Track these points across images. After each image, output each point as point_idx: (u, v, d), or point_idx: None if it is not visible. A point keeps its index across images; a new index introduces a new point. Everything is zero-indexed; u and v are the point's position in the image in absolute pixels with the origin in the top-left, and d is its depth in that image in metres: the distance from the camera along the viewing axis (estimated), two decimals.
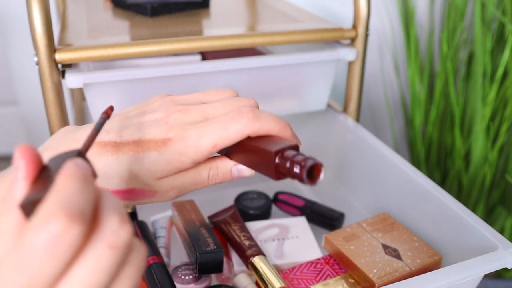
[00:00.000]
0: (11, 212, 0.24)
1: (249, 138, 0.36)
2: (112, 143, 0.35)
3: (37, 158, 0.25)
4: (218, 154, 0.39)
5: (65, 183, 0.22)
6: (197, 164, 0.37)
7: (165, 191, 0.36)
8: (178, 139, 0.35)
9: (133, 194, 0.36)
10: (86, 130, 0.37)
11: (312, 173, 0.32)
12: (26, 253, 0.21)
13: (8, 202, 0.25)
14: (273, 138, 0.35)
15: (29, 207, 0.24)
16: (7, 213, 0.24)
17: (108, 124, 0.37)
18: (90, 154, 0.36)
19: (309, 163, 0.31)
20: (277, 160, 0.33)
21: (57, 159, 0.27)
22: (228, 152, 0.38)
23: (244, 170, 0.38)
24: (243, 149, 0.36)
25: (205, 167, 0.37)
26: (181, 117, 0.36)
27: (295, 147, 0.34)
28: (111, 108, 0.34)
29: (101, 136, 0.36)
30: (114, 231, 0.22)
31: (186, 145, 0.35)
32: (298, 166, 0.31)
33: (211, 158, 0.38)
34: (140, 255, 0.24)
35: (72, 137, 0.37)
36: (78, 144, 0.36)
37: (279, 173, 0.33)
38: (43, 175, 0.25)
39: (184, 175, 0.36)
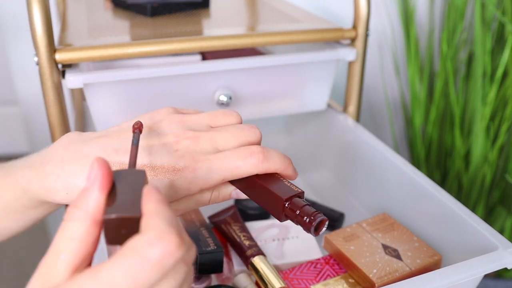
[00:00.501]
0: (83, 221, 0.26)
1: (256, 175, 0.37)
2: (121, 164, 0.36)
3: (111, 173, 0.28)
4: None
5: (160, 207, 0.26)
6: None
7: None
8: (189, 170, 0.36)
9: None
10: (93, 144, 0.37)
11: (317, 225, 0.35)
12: (139, 262, 0.24)
13: (81, 209, 0.27)
14: (278, 177, 0.38)
15: (113, 222, 0.26)
16: (79, 221, 0.26)
17: (117, 143, 0.37)
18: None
19: (318, 218, 0.34)
20: (286, 205, 0.35)
21: (122, 175, 0.29)
22: (234, 182, 0.39)
23: (242, 193, 0.40)
24: (251, 185, 0.38)
25: (208, 191, 0.39)
26: (192, 145, 0.37)
27: (301, 194, 0.37)
28: (141, 124, 0.35)
29: (111, 155, 0.36)
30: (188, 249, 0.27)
31: (196, 177, 0.36)
32: (307, 219, 0.34)
33: None
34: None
35: (79, 150, 0.37)
36: (87, 160, 0.36)
37: (285, 217, 0.36)
38: (112, 190, 0.28)
39: (188, 199, 0.38)
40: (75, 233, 0.26)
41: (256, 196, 0.37)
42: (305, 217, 0.34)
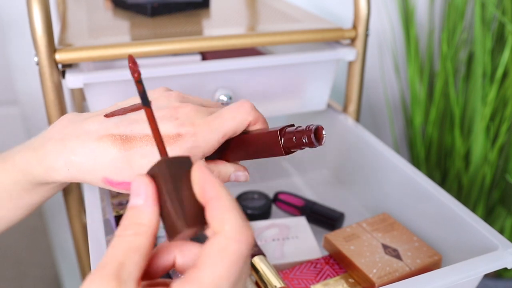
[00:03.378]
0: (143, 235, 0.27)
1: (246, 133, 0.39)
2: (122, 136, 0.37)
3: (151, 181, 0.28)
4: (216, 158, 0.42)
5: (222, 192, 0.27)
6: None
7: None
8: (189, 135, 0.37)
9: None
10: (92, 121, 0.38)
11: (316, 135, 0.36)
12: (234, 260, 0.25)
13: (142, 224, 0.27)
14: (264, 129, 0.39)
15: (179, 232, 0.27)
16: (141, 235, 0.27)
17: (116, 118, 0.38)
18: (101, 150, 0.37)
19: (313, 127, 0.36)
20: (281, 138, 0.37)
21: (168, 165, 0.28)
22: (230, 148, 0.40)
23: (241, 176, 0.41)
24: (246, 141, 0.39)
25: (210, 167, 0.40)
26: (191, 113, 0.38)
27: (291, 125, 0.38)
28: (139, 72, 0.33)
29: (111, 129, 0.37)
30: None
31: (197, 140, 0.37)
32: (305, 136, 0.36)
33: (214, 162, 0.40)
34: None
35: (79, 128, 0.38)
36: (87, 137, 0.37)
37: (286, 149, 0.37)
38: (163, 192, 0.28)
39: None
40: (137, 245, 0.26)
41: (255, 148, 0.39)
42: (303, 136, 0.36)
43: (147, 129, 0.37)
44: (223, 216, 0.26)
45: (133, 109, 0.38)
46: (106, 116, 0.38)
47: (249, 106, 0.39)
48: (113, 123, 0.37)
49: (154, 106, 0.39)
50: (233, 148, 0.40)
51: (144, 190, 0.27)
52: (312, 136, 0.35)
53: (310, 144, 0.36)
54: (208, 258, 0.25)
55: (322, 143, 0.36)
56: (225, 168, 0.40)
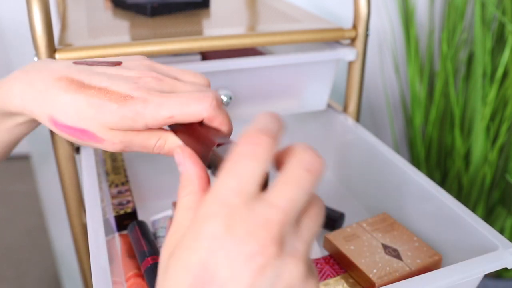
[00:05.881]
0: (194, 193, 0.31)
1: (199, 124, 0.38)
2: (80, 83, 0.38)
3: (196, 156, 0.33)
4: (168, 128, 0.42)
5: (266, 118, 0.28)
6: (149, 128, 0.39)
7: (112, 142, 0.39)
8: (140, 100, 0.37)
9: (85, 135, 0.39)
10: (60, 62, 0.41)
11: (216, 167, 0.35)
12: (261, 217, 0.25)
13: (190, 185, 0.31)
14: (220, 134, 0.38)
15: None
16: (191, 194, 0.31)
17: (83, 66, 0.40)
18: (55, 88, 0.38)
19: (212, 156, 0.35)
20: (209, 153, 0.36)
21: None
22: (176, 128, 0.40)
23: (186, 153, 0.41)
24: (190, 131, 0.39)
25: (155, 135, 0.40)
26: (152, 82, 0.39)
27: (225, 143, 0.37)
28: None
29: (73, 73, 0.39)
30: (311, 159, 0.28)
31: (145, 108, 0.37)
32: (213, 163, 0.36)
33: (163, 129, 0.41)
34: (321, 202, 0.29)
35: (46, 65, 0.41)
36: (50, 73, 0.39)
37: (206, 163, 0.36)
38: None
39: (134, 134, 0.39)
40: (190, 203, 0.30)
41: (191, 141, 0.38)
42: (215, 161, 0.35)
43: (104, 83, 0.38)
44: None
45: (102, 62, 0.40)
46: (75, 62, 0.40)
47: (209, 101, 0.37)
48: (76, 69, 0.39)
49: (122, 66, 0.40)
50: (175, 131, 0.40)
51: (182, 158, 0.32)
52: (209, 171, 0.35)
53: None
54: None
55: (215, 173, 0.35)
56: (173, 138, 0.40)
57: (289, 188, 0.26)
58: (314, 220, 0.28)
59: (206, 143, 0.37)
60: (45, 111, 0.39)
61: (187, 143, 0.39)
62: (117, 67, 0.40)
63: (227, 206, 0.25)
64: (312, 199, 0.29)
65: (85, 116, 0.38)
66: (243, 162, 0.26)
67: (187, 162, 0.32)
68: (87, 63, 0.40)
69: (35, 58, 0.51)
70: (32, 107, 0.39)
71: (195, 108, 0.37)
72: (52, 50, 0.51)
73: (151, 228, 0.57)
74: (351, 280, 0.48)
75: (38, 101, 0.39)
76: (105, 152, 0.64)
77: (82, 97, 0.38)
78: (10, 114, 0.43)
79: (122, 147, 0.39)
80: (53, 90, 0.38)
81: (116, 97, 0.37)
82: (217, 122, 0.38)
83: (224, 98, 0.60)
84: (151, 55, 0.56)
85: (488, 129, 0.95)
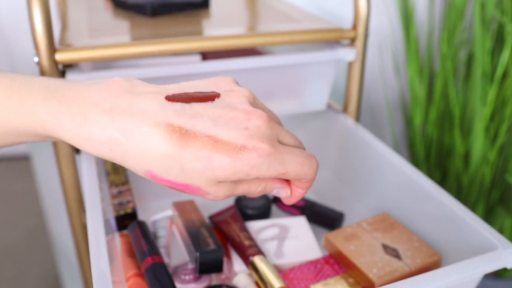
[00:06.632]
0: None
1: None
2: (182, 130, 0.32)
3: None
4: None
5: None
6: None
7: (216, 196, 0.34)
8: (255, 154, 0.33)
9: (187, 189, 0.34)
10: (151, 100, 0.33)
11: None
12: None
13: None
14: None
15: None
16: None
17: (181, 105, 0.33)
18: (154, 139, 0.32)
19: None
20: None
21: None
22: None
23: (282, 192, 0.38)
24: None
25: (259, 183, 0.36)
26: (262, 127, 0.33)
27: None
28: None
29: (171, 117, 0.32)
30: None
31: (261, 163, 0.33)
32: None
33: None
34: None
35: (134, 102, 0.33)
36: (142, 117, 0.32)
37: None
38: None
39: (239, 184, 0.35)
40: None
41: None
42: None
43: (210, 129, 0.32)
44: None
45: (200, 97, 0.33)
46: (168, 98, 0.33)
47: (316, 165, 0.36)
48: (174, 111, 0.32)
49: (222, 99, 0.34)
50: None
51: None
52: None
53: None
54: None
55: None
56: (272, 183, 0.37)
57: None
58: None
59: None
60: (141, 165, 0.33)
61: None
62: (217, 101, 0.34)
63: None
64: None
65: (191, 171, 0.32)
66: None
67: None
68: (182, 98, 0.33)
69: (35, 58, 0.51)
70: (125, 160, 0.33)
71: (307, 170, 0.35)
72: (52, 50, 0.51)
73: (151, 228, 0.57)
74: (350, 280, 0.48)
75: (133, 155, 0.32)
76: None
77: (186, 148, 0.32)
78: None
79: (227, 196, 0.35)
80: (152, 141, 0.32)
81: (228, 148, 0.32)
82: (305, 186, 0.37)
83: None
84: (151, 55, 0.56)
85: (487, 129, 0.95)
